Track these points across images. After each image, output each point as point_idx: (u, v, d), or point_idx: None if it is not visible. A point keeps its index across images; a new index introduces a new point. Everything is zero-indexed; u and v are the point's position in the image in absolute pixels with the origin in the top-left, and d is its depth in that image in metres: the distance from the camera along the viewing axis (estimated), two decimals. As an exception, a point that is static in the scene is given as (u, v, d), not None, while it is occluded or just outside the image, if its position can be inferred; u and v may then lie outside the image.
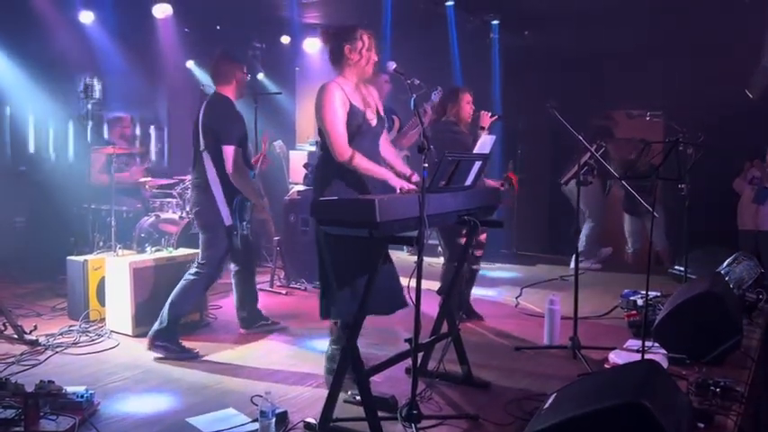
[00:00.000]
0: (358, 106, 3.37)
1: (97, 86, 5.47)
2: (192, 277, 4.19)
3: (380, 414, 2.96)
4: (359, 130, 3.35)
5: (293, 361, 4.07)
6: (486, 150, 3.86)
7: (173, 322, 4.06)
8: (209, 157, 4.16)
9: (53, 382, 3.15)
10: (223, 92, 4.32)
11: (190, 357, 4.05)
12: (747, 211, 6.84)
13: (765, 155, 6.78)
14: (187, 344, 4.14)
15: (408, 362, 3.40)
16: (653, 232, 4.12)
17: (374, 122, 3.44)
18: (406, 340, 3.00)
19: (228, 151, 4.10)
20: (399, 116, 5.66)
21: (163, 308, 4.11)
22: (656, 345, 4.11)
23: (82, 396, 3.13)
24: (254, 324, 4.64)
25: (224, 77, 4.31)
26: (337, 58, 3.42)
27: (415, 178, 3.43)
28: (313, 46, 8.24)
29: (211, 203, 4.16)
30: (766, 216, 6.70)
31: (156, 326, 4.08)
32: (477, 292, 5.38)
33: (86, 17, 6.78)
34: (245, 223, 4.34)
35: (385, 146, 3.63)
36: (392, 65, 3.22)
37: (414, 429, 2.86)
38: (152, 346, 4.05)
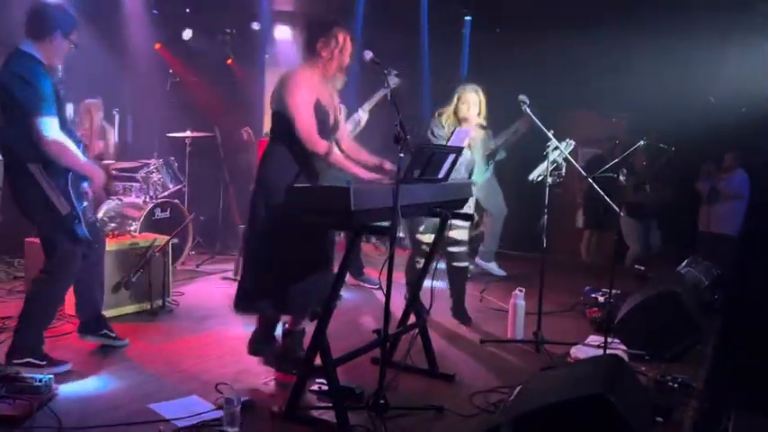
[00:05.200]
0: (324, 103, 3.33)
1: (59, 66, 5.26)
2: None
3: (347, 404, 2.96)
4: (322, 128, 3.32)
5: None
6: (461, 143, 3.88)
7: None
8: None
9: (10, 365, 3.08)
10: (29, 50, 3.36)
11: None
12: (704, 212, 7.04)
13: (723, 159, 6.97)
14: (151, 329, 4.04)
15: (374, 352, 3.42)
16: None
17: (333, 123, 3.43)
18: (374, 331, 3.00)
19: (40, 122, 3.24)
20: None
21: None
22: (617, 341, 4.20)
23: (40, 380, 3.06)
24: (99, 331, 3.88)
25: (36, 33, 3.41)
26: (309, 50, 3.37)
27: (388, 166, 3.43)
28: (284, 33, 8.15)
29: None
30: (718, 218, 6.90)
31: None
32: (442, 285, 5.38)
33: (50, -6, 6.53)
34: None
35: (347, 142, 3.64)
36: (368, 54, 3.21)
37: (380, 419, 2.87)
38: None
